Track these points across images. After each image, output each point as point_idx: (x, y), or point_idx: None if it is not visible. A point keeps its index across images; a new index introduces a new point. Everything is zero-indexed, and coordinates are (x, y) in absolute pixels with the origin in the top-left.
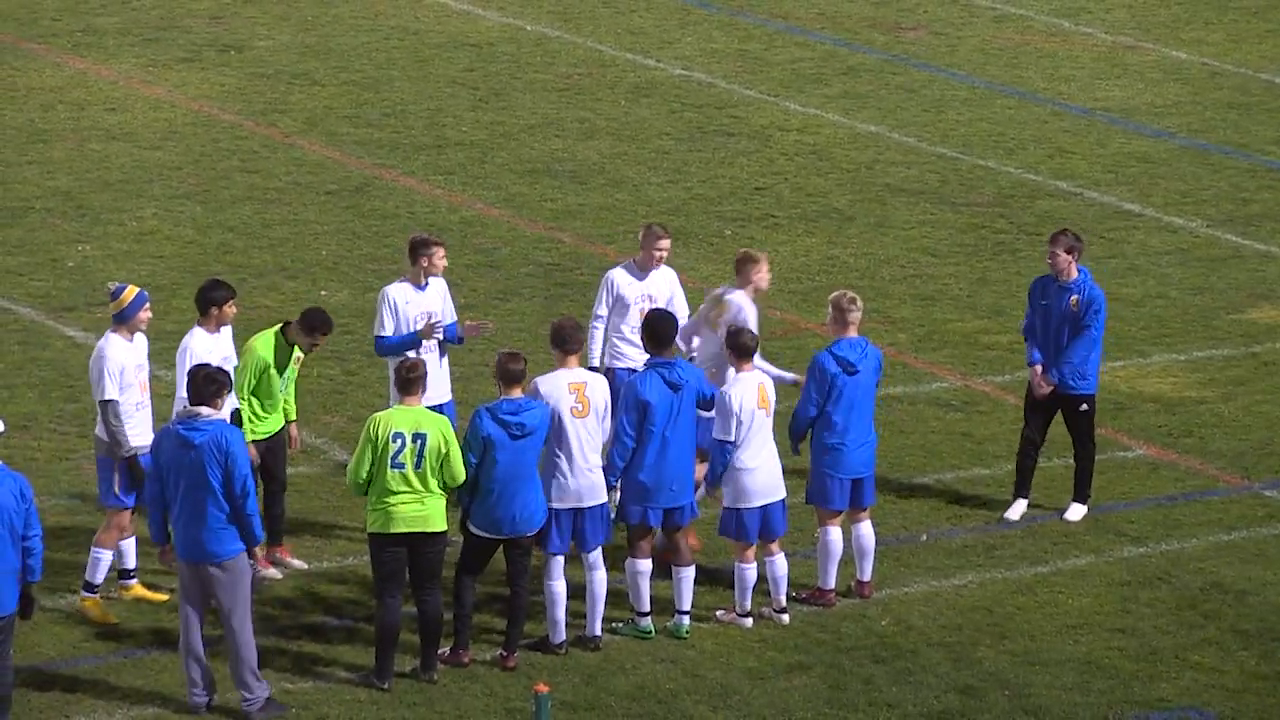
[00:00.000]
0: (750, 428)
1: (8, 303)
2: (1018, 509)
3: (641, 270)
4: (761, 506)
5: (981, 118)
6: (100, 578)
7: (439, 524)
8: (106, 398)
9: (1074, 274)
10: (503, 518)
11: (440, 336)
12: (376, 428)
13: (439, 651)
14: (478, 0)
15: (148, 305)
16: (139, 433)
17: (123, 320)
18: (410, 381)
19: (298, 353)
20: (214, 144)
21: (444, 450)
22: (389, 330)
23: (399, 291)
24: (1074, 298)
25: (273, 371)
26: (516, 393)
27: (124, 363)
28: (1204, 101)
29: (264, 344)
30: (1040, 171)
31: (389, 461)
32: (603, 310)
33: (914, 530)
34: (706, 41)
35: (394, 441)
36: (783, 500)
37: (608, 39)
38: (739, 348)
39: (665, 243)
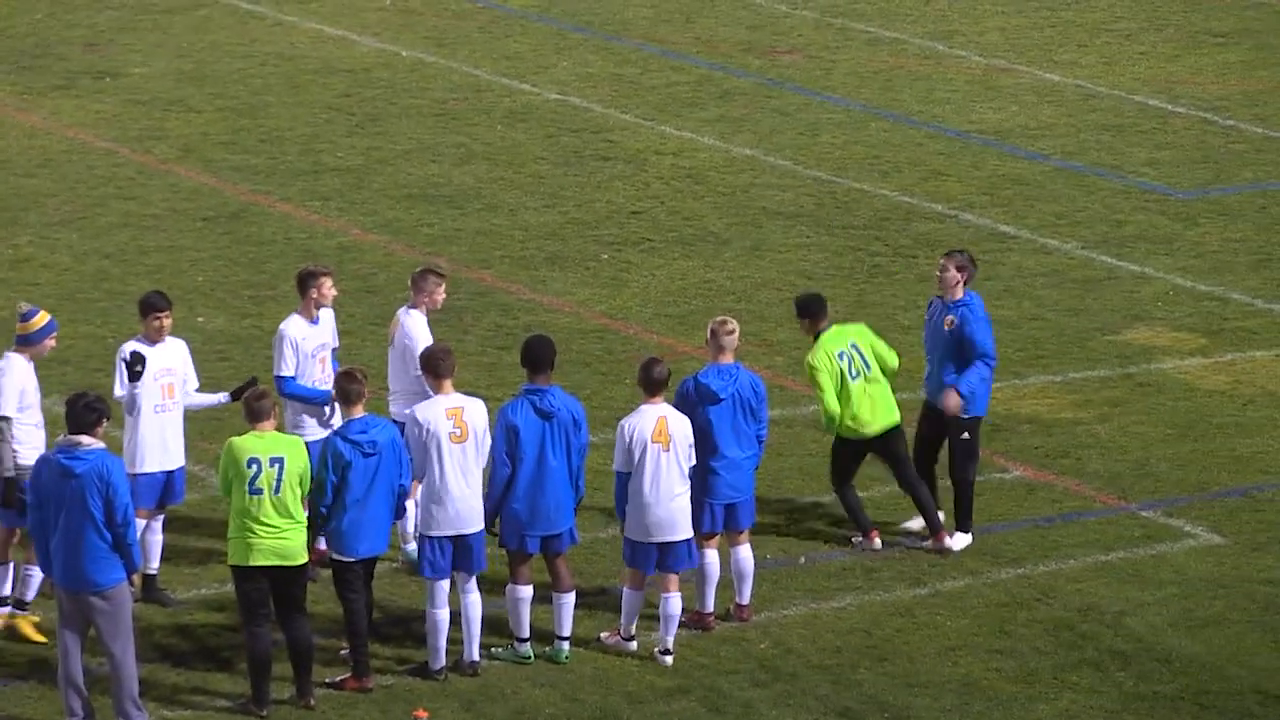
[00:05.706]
0: (645, 460)
1: None
2: (919, 522)
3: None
4: (659, 543)
5: (856, 140)
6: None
7: (300, 557)
8: (3, 414)
9: (959, 294)
10: (362, 540)
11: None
12: (232, 453)
13: (342, 678)
14: (353, 26)
15: (54, 335)
16: (32, 453)
17: (27, 344)
18: (259, 410)
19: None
20: (89, 171)
21: (303, 473)
22: (290, 370)
23: (295, 328)
24: (950, 317)
25: None
26: (357, 411)
27: (24, 384)
28: (1078, 124)
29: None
30: (915, 194)
31: (246, 488)
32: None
33: (792, 553)
34: (582, 66)
35: (249, 467)
36: (686, 540)
37: (484, 64)
38: (647, 382)
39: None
